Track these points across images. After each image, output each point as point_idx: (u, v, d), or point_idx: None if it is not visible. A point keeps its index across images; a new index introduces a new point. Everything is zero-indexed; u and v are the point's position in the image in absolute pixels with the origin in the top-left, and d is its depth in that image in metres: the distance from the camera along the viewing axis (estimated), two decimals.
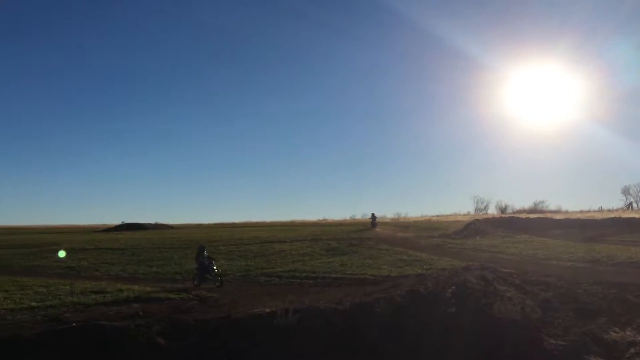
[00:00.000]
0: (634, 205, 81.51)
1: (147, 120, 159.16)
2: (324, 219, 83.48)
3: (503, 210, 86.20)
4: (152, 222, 67.98)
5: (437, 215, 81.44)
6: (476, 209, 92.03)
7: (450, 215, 79.65)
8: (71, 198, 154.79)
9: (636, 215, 42.53)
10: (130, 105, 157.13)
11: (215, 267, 15.94)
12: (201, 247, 16.81)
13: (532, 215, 50.33)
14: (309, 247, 26.49)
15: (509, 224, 38.92)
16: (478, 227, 35.01)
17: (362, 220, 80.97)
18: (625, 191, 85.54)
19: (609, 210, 63.38)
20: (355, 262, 20.14)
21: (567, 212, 67.91)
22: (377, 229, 40.07)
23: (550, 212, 71.52)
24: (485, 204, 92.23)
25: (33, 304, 12.67)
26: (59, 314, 11.19)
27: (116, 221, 71.72)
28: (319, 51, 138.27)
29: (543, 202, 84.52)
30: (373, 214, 45.83)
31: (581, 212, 64.71)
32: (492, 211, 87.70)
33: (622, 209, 71.29)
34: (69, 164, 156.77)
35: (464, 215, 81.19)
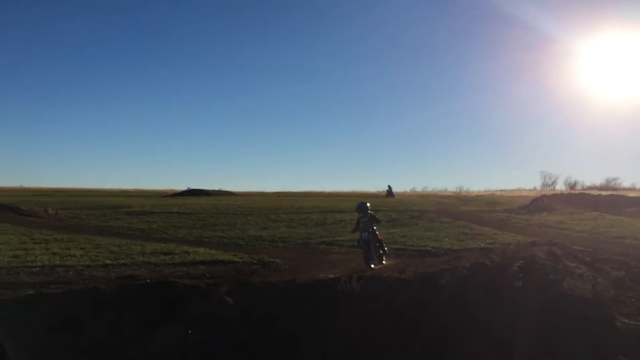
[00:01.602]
0: None
1: (215, 89, 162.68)
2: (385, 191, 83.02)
3: (572, 186, 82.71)
4: (216, 188, 69.94)
5: (501, 190, 79.15)
6: (543, 185, 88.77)
7: (515, 190, 77.23)
8: (141, 164, 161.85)
9: None
10: (198, 73, 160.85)
11: None
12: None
13: (603, 192, 47.86)
14: None
15: (578, 200, 37.25)
16: (545, 202, 33.71)
17: (421, 192, 79.89)
18: None
19: None
20: (416, 233, 19.96)
21: None
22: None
23: (624, 189, 67.90)
24: (553, 179, 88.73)
25: (107, 261, 13.42)
26: (131, 272, 11.80)
27: (182, 187, 74.44)
28: (389, 29, 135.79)
29: (616, 179, 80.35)
30: (389, 186, 55.43)
31: None
32: (560, 187, 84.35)
33: None
34: (139, 131, 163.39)
35: (530, 190, 78.49)
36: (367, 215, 11.97)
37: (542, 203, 33.38)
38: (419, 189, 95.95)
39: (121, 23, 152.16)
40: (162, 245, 16.99)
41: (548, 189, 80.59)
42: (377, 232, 12.10)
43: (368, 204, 12.24)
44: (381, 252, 12.14)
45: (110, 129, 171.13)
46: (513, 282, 6.66)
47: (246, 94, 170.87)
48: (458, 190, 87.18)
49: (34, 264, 12.60)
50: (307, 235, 19.95)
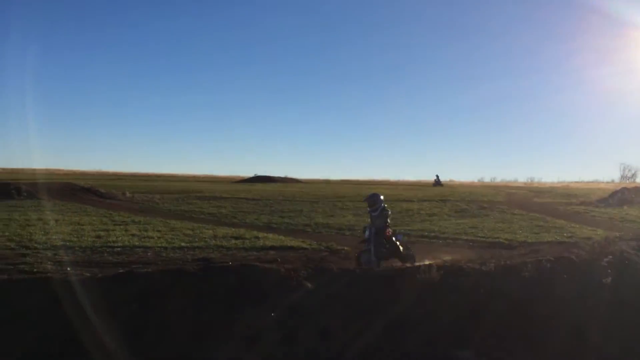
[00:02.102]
0: None
1: (285, 78, 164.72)
2: (451, 180, 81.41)
3: None
4: (282, 175, 70.96)
5: (576, 182, 75.51)
6: (622, 177, 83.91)
7: (591, 183, 73.46)
8: (211, 150, 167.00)
9: None
10: (269, 61, 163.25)
11: None
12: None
13: None
14: (436, 208, 26.01)
15: None
16: (626, 195, 31.79)
17: (489, 183, 77.59)
18: None
19: None
20: (487, 225, 19.38)
21: None
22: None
23: None
24: (633, 171, 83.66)
25: (182, 244, 13.89)
26: (205, 255, 12.17)
27: (249, 173, 76.10)
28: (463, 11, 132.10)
29: None
30: (437, 176, 55.61)
31: None
32: None
33: None
34: (210, 119, 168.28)
35: (607, 183, 74.38)
36: (377, 210, 10.27)
37: (622, 196, 31.51)
38: (486, 179, 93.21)
39: (197, 22, 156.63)
40: (233, 229, 17.39)
41: (627, 181, 76.14)
42: (389, 229, 10.29)
43: (382, 197, 10.54)
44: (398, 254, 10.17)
45: (183, 118, 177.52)
46: (601, 278, 6.30)
47: (313, 86, 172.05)
48: (529, 181, 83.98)
49: (116, 245, 13.25)
50: None
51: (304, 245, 14.35)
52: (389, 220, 10.31)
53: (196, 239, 14.85)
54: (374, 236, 9.90)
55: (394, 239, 10.13)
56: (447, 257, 10.89)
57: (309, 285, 5.30)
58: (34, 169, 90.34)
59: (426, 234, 17.06)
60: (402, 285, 5.61)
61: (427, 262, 7.83)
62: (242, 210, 24.64)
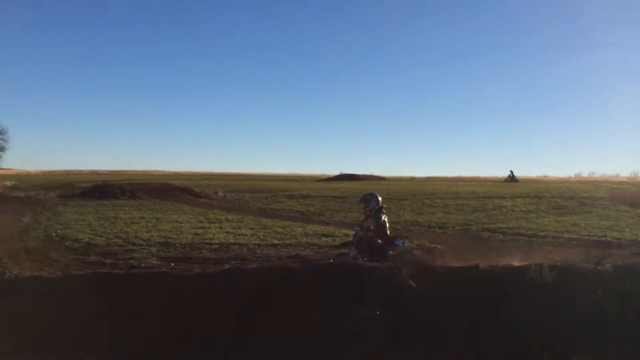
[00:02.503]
0: None
1: (367, 74, 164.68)
2: (545, 176, 77.45)
3: None
4: (366, 173, 70.77)
5: None
6: None
7: None
8: (297, 149, 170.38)
9: None
10: (357, 60, 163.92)
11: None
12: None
13: None
14: (532, 204, 24.73)
15: None
16: None
17: (588, 178, 72.97)
18: None
19: None
20: (590, 222, 18.13)
21: None
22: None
23: None
24: None
25: (275, 241, 14.19)
26: (298, 252, 12.35)
27: (334, 172, 76.67)
28: None
29: None
30: (511, 171, 54.37)
31: None
32: None
33: None
34: (297, 117, 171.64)
35: None
36: (371, 211, 9.18)
37: None
38: (584, 174, 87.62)
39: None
40: (322, 227, 17.53)
41: None
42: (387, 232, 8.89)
43: (380, 198, 9.45)
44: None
45: (269, 119, 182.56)
46: None
47: (399, 83, 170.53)
48: (632, 175, 77.93)
49: (213, 242, 13.80)
50: (465, 222, 19.20)
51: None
52: (387, 224, 8.99)
53: (287, 237, 15.11)
54: (358, 241, 8.69)
55: (395, 243, 8.73)
56: (553, 257, 10.31)
57: (412, 283, 5.18)
58: (135, 171, 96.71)
59: (523, 232, 16.27)
60: (512, 285, 5.34)
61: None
62: (329, 208, 24.79)
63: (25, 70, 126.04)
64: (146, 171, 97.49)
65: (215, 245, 13.25)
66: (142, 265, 10.26)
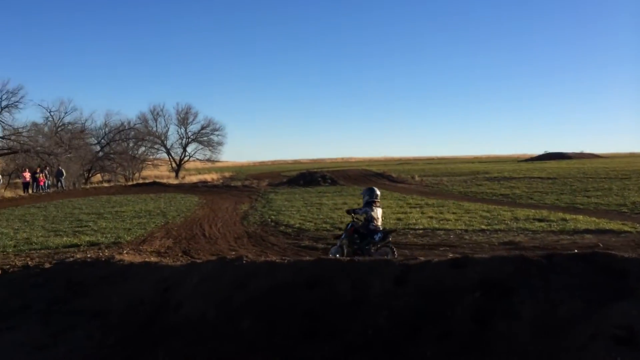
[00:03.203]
0: None
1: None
2: None
3: None
4: (577, 151, 64.03)
5: None
6: None
7: None
8: (491, 130, 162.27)
9: None
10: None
11: None
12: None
13: None
14: None
15: None
16: None
17: None
18: None
19: None
20: None
21: None
22: None
23: None
24: None
25: (482, 226, 13.36)
26: (511, 238, 11.40)
27: (535, 151, 70.95)
28: None
29: None
30: None
31: None
32: None
33: None
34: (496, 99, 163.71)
35: None
36: (365, 204, 8.93)
37: None
38: None
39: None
40: (533, 211, 16.08)
41: None
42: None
43: (378, 192, 9.15)
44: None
45: (460, 101, 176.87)
46: None
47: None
48: None
49: (416, 227, 13.52)
50: None
51: (626, 228, 12.31)
52: (375, 218, 8.69)
53: (495, 221, 14.15)
54: (347, 231, 8.85)
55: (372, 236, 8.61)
56: None
57: None
58: (332, 159, 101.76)
59: None
60: None
61: None
62: (537, 190, 22.82)
63: (239, 76, 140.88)
64: (343, 158, 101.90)
65: (420, 231, 12.95)
66: None
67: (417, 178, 31.98)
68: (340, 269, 4.49)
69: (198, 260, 5.89)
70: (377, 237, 8.58)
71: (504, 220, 14.38)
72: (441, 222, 14.34)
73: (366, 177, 33.64)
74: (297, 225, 14.61)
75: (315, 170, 37.48)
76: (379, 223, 8.74)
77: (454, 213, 16.18)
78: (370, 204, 8.79)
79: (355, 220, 8.99)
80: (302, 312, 4.26)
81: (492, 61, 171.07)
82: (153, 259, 8.25)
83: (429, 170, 42.27)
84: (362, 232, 8.61)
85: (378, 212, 8.77)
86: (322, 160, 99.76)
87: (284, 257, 5.17)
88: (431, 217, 15.27)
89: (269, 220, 15.93)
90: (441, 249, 10.36)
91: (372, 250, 8.46)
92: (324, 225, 14.38)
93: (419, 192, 24.63)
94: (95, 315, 5.48)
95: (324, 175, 31.76)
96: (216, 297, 4.56)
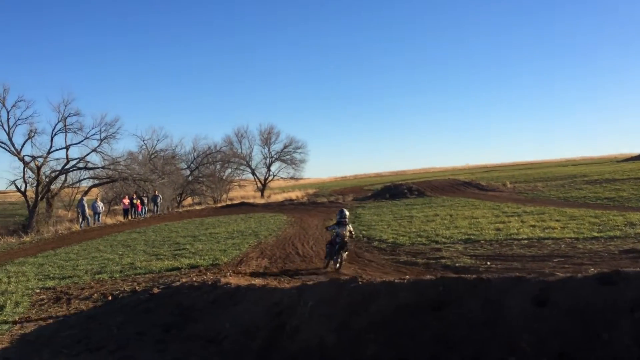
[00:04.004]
0: None
1: None
2: None
3: None
4: None
5: None
6: None
7: None
8: (579, 130, 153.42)
9: None
10: None
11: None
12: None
13: None
14: None
15: None
16: None
17: None
18: None
19: None
20: None
21: None
22: None
23: None
24: None
25: (594, 233, 12.33)
26: (632, 246, 10.38)
27: (636, 150, 65.91)
28: None
29: None
30: None
31: None
32: None
33: None
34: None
35: None
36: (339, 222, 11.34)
37: None
38: None
39: None
40: None
41: None
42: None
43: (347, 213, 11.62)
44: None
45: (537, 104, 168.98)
46: None
47: None
48: None
49: (519, 237, 12.69)
50: None
51: None
52: (338, 232, 11.13)
53: (607, 227, 13.06)
54: (336, 239, 11.12)
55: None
56: None
57: None
58: (412, 170, 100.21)
59: None
60: None
61: None
62: None
63: (317, 92, 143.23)
64: (424, 169, 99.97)
65: (525, 241, 12.14)
66: (457, 265, 9.93)
67: (508, 185, 30.53)
68: (468, 288, 4.12)
69: (308, 283, 5.70)
70: (337, 247, 11.00)
71: (617, 225, 13.25)
72: (546, 230, 13.42)
73: (454, 187, 32.53)
74: (391, 239, 14.23)
75: (400, 182, 36.79)
76: (347, 236, 11.12)
77: (557, 220, 15.13)
78: (340, 223, 11.23)
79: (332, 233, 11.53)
80: (431, 337, 3.94)
81: (563, 61, 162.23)
82: (258, 281, 8.22)
83: (519, 176, 40.33)
84: (333, 243, 11.18)
85: (345, 229, 11.13)
86: (403, 172, 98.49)
87: (402, 277, 4.85)
88: (533, 226, 14.35)
89: (361, 235, 15.65)
90: (555, 260, 9.58)
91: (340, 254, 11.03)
92: (418, 239, 13.89)
93: (513, 200, 23.40)
94: (210, 342, 5.44)
95: (410, 187, 31.09)
96: (334, 322, 4.34)
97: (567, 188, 26.31)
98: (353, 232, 11.83)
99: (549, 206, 19.59)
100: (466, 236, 13.54)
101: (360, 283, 4.68)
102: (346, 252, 11.19)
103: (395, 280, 4.51)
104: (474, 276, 4.08)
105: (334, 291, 4.68)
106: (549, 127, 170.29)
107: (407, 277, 4.89)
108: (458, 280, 4.11)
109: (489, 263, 9.75)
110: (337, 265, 10.94)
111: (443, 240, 13.30)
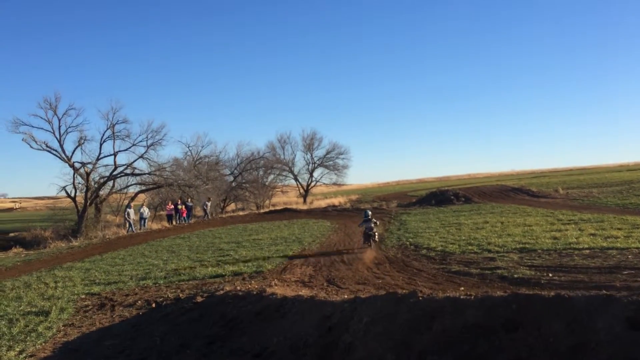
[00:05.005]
0: None
1: None
2: None
3: None
4: None
5: None
6: None
7: None
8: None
9: None
10: None
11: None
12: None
13: None
14: None
15: None
16: None
17: None
18: None
19: None
20: None
21: None
22: None
23: None
24: None
25: None
26: None
27: None
28: None
29: None
30: None
31: None
32: None
33: None
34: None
35: None
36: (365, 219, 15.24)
37: None
38: None
39: None
40: None
41: None
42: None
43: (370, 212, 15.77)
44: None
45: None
46: None
47: None
48: None
49: (580, 246, 11.88)
50: None
51: None
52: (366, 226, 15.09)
53: None
54: (366, 230, 14.98)
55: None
56: None
57: None
58: (457, 175, 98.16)
59: None
60: None
61: None
62: None
63: (359, 99, 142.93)
64: (469, 175, 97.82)
65: (586, 251, 11.34)
66: (515, 276, 9.31)
67: (561, 191, 29.23)
68: (547, 307, 3.63)
69: (362, 296, 5.31)
70: (368, 235, 14.84)
71: None
72: (608, 239, 12.54)
73: (503, 193, 31.41)
74: (440, 248, 13.64)
75: (445, 188, 35.85)
76: (372, 227, 14.89)
77: (619, 229, 14.17)
78: (365, 220, 15.11)
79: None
80: None
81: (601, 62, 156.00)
82: (305, 291, 7.87)
83: (571, 182, 38.74)
84: (365, 233, 14.99)
85: (370, 222, 14.95)
86: (447, 177, 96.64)
87: (468, 293, 4.40)
88: (593, 235, 13.46)
89: (407, 243, 15.13)
90: (624, 272, 8.82)
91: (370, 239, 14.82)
92: (469, 247, 13.25)
93: (567, 207, 22.29)
94: (255, 356, 5.12)
95: (456, 193, 30.19)
96: (393, 340, 3.93)
97: (625, 194, 24.93)
98: (377, 222, 15.86)
99: (607, 213, 18.51)
100: (520, 245, 12.82)
101: (420, 298, 4.24)
102: (376, 235, 15.04)
103: (461, 296, 4.06)
104: (552, 293, 3.59)
105: (391, 306, 4.26)
106: (599, 132, 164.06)
107: (473, 293, 4.41)
108: (534, 297, 3.63)
109: (550, 275, 9.08)
110: (371, 244, 14.64)
111: (496, 249, 12.63)
